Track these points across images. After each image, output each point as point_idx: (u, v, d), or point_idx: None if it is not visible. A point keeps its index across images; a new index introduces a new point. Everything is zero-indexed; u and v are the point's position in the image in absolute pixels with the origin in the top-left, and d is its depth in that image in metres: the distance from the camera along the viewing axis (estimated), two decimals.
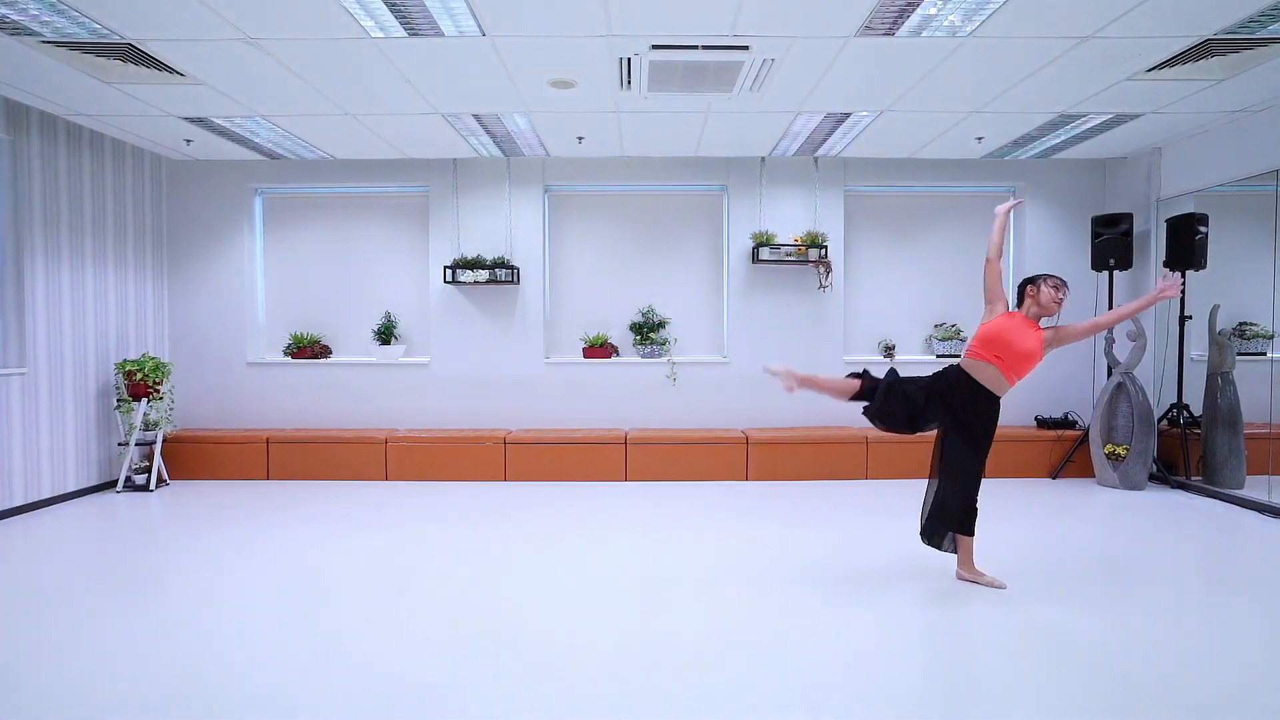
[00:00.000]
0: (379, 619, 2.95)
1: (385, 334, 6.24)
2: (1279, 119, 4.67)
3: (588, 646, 2.69)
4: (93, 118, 5.01)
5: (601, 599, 3.18)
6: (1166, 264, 5.46)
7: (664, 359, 6.20)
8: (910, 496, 5.20)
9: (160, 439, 5.55)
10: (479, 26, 3.59)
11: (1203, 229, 5.22)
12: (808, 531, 4.31)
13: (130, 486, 5.44)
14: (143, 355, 5.57)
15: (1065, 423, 6.01)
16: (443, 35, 3.69)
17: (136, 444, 5.43)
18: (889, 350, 6.25)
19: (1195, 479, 5.35)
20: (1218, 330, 5.22)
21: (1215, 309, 5.23)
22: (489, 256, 6.08)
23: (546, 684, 2.40)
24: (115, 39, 3.69)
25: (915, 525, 4.40)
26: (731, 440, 5.78)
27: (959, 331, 6.28)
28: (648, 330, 6.20)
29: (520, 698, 2.31)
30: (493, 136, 5.47)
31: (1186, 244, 5.24)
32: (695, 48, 3.83)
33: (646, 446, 5.79)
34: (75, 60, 3.98)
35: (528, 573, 3.55)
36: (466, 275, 5.95)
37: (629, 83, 4.34)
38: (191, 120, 5.05)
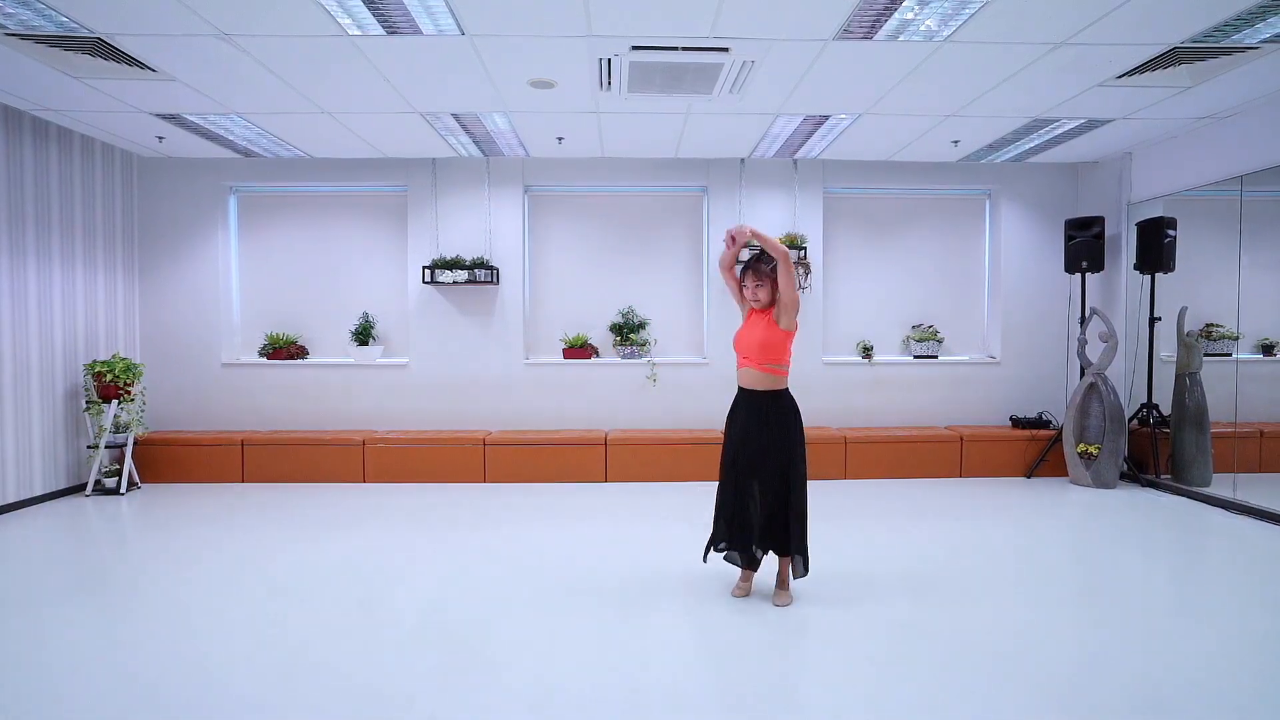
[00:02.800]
0: (356, 624, 2.92)
1: (363, 335, 6.18)
2: (1242, 126, 4.79)
3: (566, 650, 2.68)
4: (60, 113, 4.90)
5: (582, 602, 3.16)
6: (1136, 266, 5.59)
7: (644, 360, 6.20)
8: (886, 495, 5.25)
9: (131, 441, 5.44)
10: (458, 25, 3.56)
11: (1171, 232, 5.34)
12: None
13: (100, 490, 5.32)
14: (113, 356, 5.46)
15: (1039, 422, 6.11)
16: (421, 34, 3.66)
17: (106, 446, 5.31)
18: (867, 351, 6.31)
19: (1164, 477, 5.47)
20: (1185, 332, 5.34)
21: (1183, 311, 5.35)
22: (468, 257, 6.04)
23: (523, 688, 2.38)
24: (84, 33, 3.61)
25: (898, 524, 4.46)
26: (712, 440, 5.80)
27: (936, 333, 6.36)
28: (628, 331, 6.20)
29: (496, 702, 2.29)
30: (472, 136, 5.44)
31: (1156, 247, 5.36)
32: (675, 49, 3.83)
33: (627, 447, 5.79)
34: (41, 54, 3.89)
35: (507, 575, 3.53)
36: (445, 275, 5.90)
37: (609, 83, 4.33)
38: (164, 117, 4.96)
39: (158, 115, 4.92)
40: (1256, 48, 3.76)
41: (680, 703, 2.28)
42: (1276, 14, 3.37)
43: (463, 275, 5.90)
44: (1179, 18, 3.44)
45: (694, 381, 6.25)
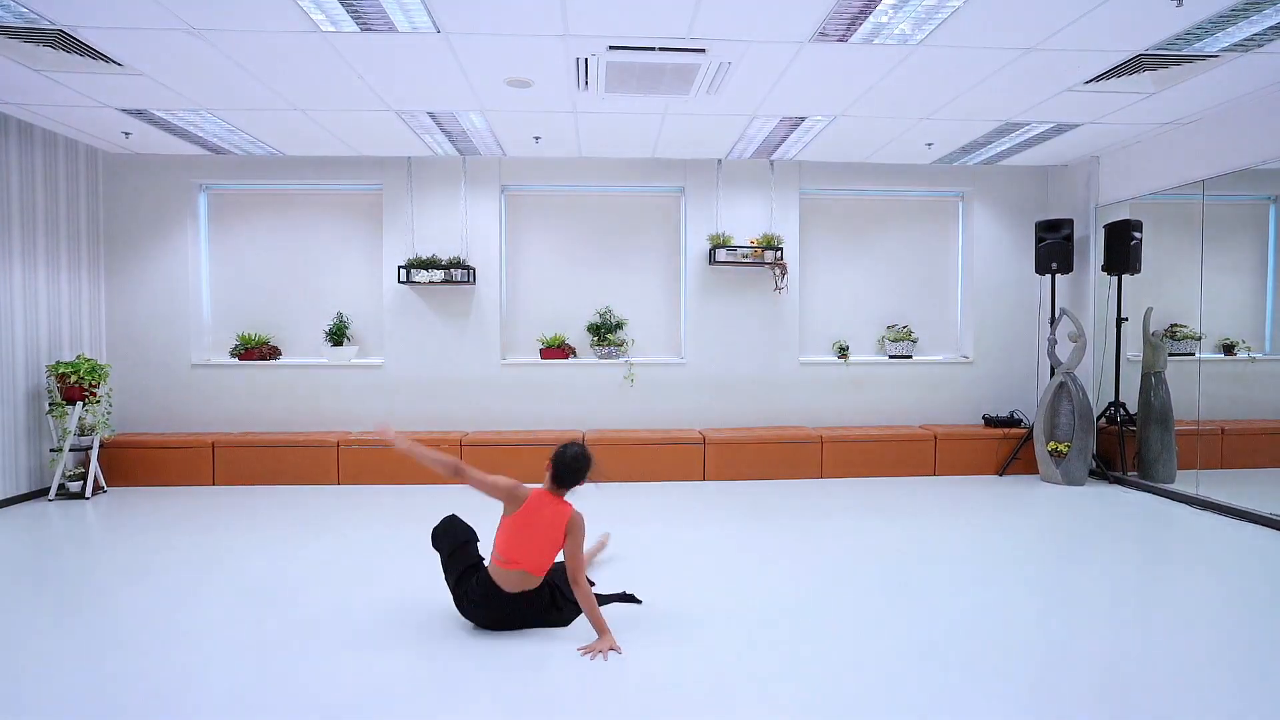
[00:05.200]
0: (330, 629, 2.88)
1: (337, 335, 6.09)
2: (1203, 132, 4.92)
3: (541, 655, 2.66)
4: (20, 106, 4.77)
5: None
6: (1103, 268, 5.71)
7: (621, 360, 6.20)
8: (862, 493, 5.31)
9: (97, 444, 5.30)
10: (434, 23, 3.53)
11: (1137, 235, 5.47)
12: (768, 530, 4.35)
13: (64, 494, 5.19)
14: (78, 356, 5.33)
15: (1011, 421, 6.21)
16: (396, 31, 3.62)
17: (71, 450, 5.18)
18: (843, 351, 6.37)
19: (1131, 474, 5.59)
20: (1151, 332, 5.47)
21: (1149, 311, 5.48)
22: (444, 256, 5.99)
23: (498, 692, 2.37)
24: (44, 24, 3.51)
25: (872, 522, 4.51)
26: (689, 440, 5.82)
27: (910, 333, 6.44)
28: (605, 331, 6.19)
29: (472, 708, 2.28)
30: (448, 135, 5.39)
31: (1122, 249, 5.48)
32: (652, 49, 3.84)
33: (604, 447, 5.77)
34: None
35: None
36: (421, 275, 5.84)
37: (586, 83, 4.32)
38: (130, 112, 4.85)
39: (124, 110, 4.81)
40: (1216, 56, 3.86)
41: (653, 703, 2.28)
42: (1235, 24, 3.47)
43: (439, 275, 5.85)
44: (1144, 25, 3.52)
45: (671, 382, 6.26)
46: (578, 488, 2.96)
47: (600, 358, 6.20)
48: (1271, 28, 3.52)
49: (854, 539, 4.13)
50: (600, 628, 2.67)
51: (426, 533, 4.30)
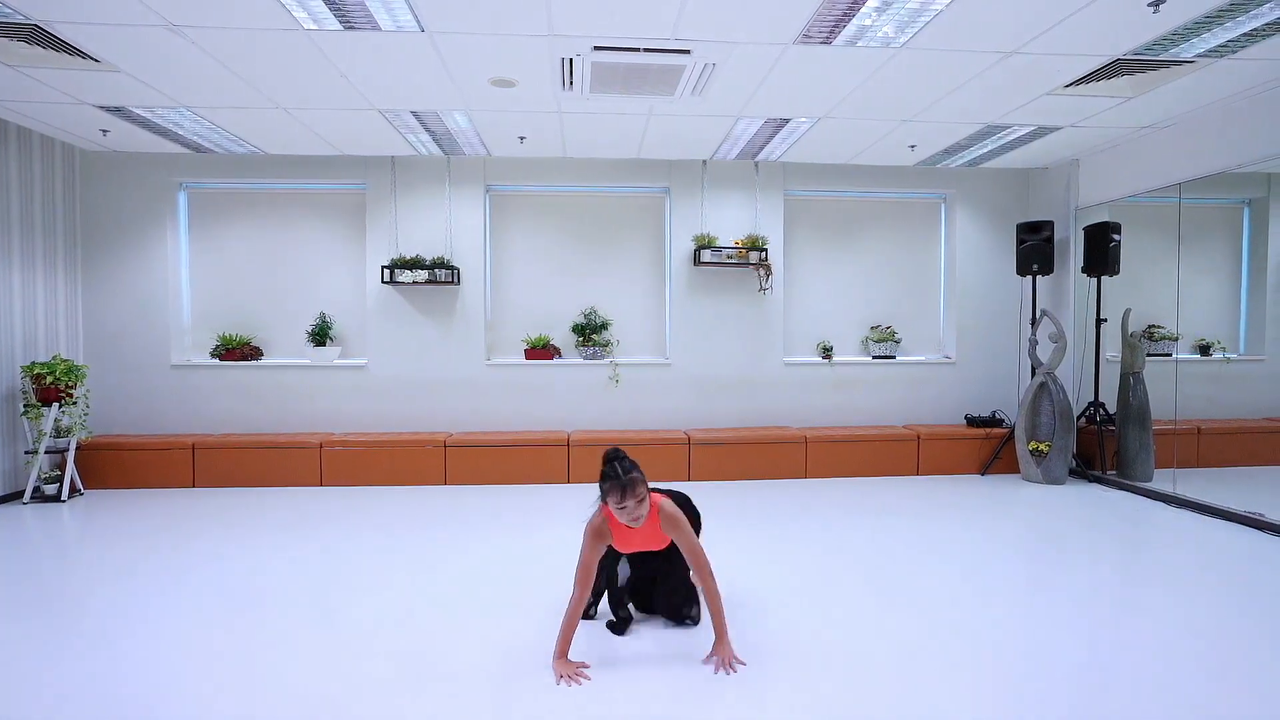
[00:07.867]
0: (312, 634, 2.85)
1: (320, 335, 6.04)
2: (1180, 136, 5.00)
3: (529, 661, 2.66)
4: None
5: (547, 608, 3.14)
6: (1083, 269, 5.78)
7: (606, 360, 6.19)
8: (846, 493, 5.34)
9: (73, 446, 5.22)
10: (418, 22, 3.51)
11: (1116, 237, 5.55)
12: (752, 530, 4.37)
13: (39, 497, 5.10)
14: (53, 357, 5.24)
15: (993, 421, 6.27)
16: (380, 30, 3.60)
17: (46, 452, 5.10)
18: (827, 351, 6.41)
19: (1110, 473, 5.67)
20: (1129, 333, 5.55)
21: (1127, 312, 5.56)
22: (428, 256, 5.96)
23: (482, 701, 2.36)
24: (19, 19, 3.46)
25: (855, 522, 4.54)
26: (674, 441, 5.82)
27: (894, 334, 6.49)
28: (590, 332, 6.19)
29: (454, 716, 2.27)
30: (432, 134, 5.36)
31: (1101, 250, 5.56)
32: (637, 50, 3.84)
33: (590, 448, 5.77)
34: None
35: (468, 581, 3.49)
36: (405, 275, 5.81)
37: (571, 83, 4.32)
38: (108, 109, 4.78)
39: (102, 108, 4.74)
40: (1192, 61, 3.93)
41: (643, 696, 2.28)
42: (1210, 30, 3.53)
43: (423, 275, 5.82)
44: (1121, 30, 3.57)
45: (656, 382, 6.26)
46: (631, 493, 2.47)
47: (585, 358, 6.19)
48: (1245, 34, 3.58)
49: (837, 538, 4.16)
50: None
51: (409, 534, 4.30)
